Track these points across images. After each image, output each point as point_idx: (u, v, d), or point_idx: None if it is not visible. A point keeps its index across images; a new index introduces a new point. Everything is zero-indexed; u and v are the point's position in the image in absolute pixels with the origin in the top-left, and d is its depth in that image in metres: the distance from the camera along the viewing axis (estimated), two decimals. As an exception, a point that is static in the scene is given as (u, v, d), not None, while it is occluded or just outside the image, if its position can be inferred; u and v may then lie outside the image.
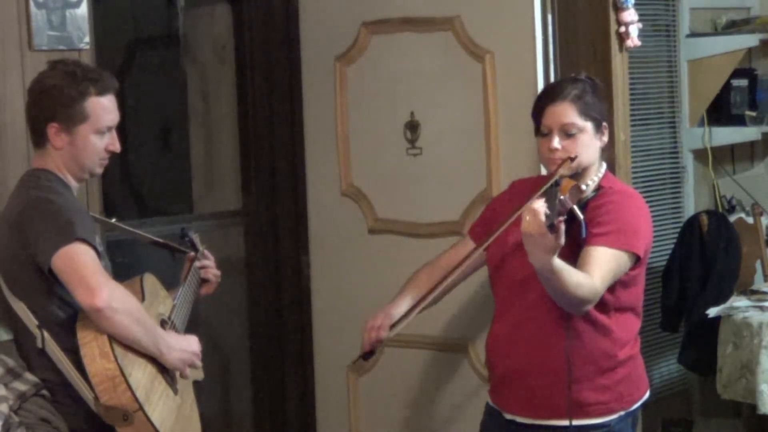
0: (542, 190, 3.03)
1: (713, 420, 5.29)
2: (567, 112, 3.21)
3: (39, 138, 3.17)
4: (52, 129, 3.14)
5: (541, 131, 3.26)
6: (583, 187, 3.23)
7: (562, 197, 2.86)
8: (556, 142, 3.20)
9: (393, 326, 3.36)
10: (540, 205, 2.83)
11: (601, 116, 3.26)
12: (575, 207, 3.01)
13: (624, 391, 3.25)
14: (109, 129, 3.19)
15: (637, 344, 3.33)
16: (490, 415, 3.41)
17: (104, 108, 3.16)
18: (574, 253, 3.11)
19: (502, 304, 3.35)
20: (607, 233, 3.14)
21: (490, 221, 3.39)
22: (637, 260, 3.20)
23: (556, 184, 3.02)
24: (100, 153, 3.18)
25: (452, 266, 3.34)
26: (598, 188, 3.27)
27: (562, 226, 2.84)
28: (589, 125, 3.23)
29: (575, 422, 3.19)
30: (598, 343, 3.20)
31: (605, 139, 3.29)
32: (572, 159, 3.16)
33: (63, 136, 3.14)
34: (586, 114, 3.22)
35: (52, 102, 3.12)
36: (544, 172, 3.56)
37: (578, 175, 3.22)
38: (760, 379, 4.31)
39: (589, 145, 3.23)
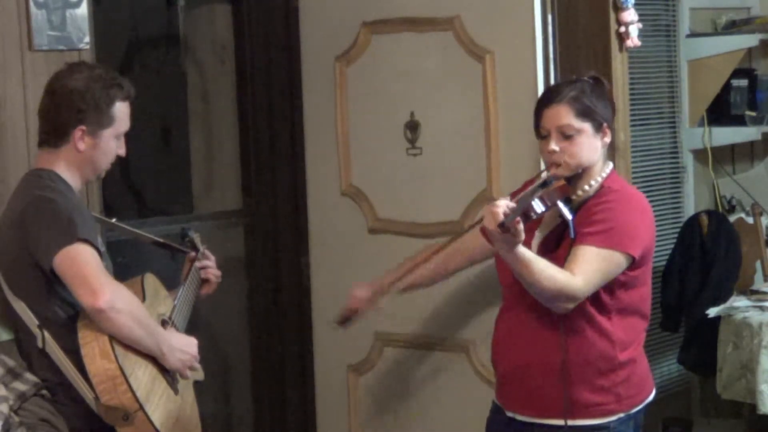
0: (531, 189, 3.01)
1: (713, 420, 5.29)
2: (563, 114, 3.20)
3: (59, 139, 3.15)
4: (78, 132, 3.13)
5: (540, 133, 3.26)
6: (586, 188, 3.24)
7: (537, 198, 2.89)
8: (554, 144, 3.19)
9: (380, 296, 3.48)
10: (500, 205, 2.89)
11: (602, 116, 3.24)
12: (564, 208, 3.02)
13: (623, 393, 3.24)
14: (124, 134, 3.22)
15: (641, 346, 3.32)
16: (494, 413, 3.42)
17: (125, 113, 3.21)
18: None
19: (505, 303, 3.37)
20: (596, 233, 3.13)
21: None
22: (633, 261, 3.18)
23: (546, 184, 3.03)
24: (114, 157, 3.21)
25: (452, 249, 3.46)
26: (600, 188, 3.25)
27: (519, 226, 2.88)
28: (587, 126, 3.21)
29: (573, 422, 3.20)
30: (597, 344, 3.20)
31: (607, 139, 3.27)
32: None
33: (87, 139, 3.14)
34: (583, 115, 3.20)
35: (84, 105, 3.12)
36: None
37: (578, 176, 3.22)
38: (760, 379, 4.32)
39: (588, 146, 3.22)
